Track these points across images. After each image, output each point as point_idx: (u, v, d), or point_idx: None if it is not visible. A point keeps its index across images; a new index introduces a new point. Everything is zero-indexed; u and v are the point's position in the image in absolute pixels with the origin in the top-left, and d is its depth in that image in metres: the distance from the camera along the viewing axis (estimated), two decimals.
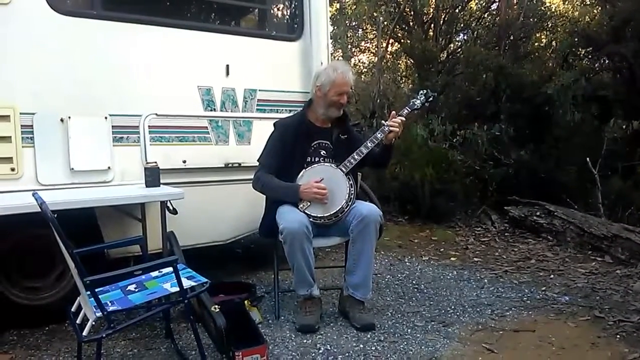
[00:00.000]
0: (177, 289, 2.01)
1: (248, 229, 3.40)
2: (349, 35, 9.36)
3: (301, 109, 3.03)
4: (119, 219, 2.83)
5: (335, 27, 8.65)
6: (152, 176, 2.74)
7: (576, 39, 6.42)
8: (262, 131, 3.11)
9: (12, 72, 2.64)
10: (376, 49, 8.30)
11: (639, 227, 4.11)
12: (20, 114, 2.63)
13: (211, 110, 3.25)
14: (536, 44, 7.28)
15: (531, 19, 7.04)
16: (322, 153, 2.90)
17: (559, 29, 7.24)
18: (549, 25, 7.33)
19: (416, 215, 5.47)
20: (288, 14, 4.07)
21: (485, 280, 3.61)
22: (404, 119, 2.88)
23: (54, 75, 2.75)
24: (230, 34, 3.43)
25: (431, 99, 3.06)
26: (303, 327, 2.71)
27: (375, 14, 8.22)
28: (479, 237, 4.97)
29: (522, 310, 3.02)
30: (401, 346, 2.53)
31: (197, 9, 4.30)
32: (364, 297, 2.81)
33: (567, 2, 7.98)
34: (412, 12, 7.68)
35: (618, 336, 2.63)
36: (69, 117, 2.76)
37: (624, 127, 6.07)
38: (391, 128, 2.82)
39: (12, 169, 2.63)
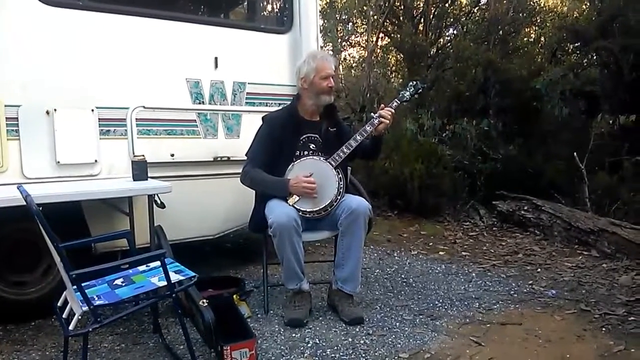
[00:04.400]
0: (165, 283, 2.00)
1: (237, 223, 3.39)
2: (338, 29, 9.33)
3: (289, 102, 3.02)
4: (106, 212, 2.80)
5: (325, 21, 8.62)
6: (140, 170, 2.72)
7: (564, 34, 6.46)
8: (252, 125, 3.10)
9: None
10: (366, 43, 8.29)
11: (625, 222, 4.15)
12: (5, 106, 2.59)
13: (200, 103, 3.23)
14: (525, 38, 7.31)
15: (520, 14, 7.06)
16: (311, 147, 2.89)
17: (547, 24, 7.28)
18: (538, 20, 7.37)
19: (405, 209, 5.48)
20: (277, 6, 4.05)
21: (473, 274, 3.63)
22: (393, 110, 2.88)
23: (40, 67, 2.70)
24: (219, 26, 3.40)
25: (420, 90, 3.07)
26: (292, 321, 2.70)
27: (365, 8, 8.20)
28: (468, 232, 5.00)
29: (510, 304, 3.04)
30: (389, 339, 2.54)
31: (186, 1, 4.27)
32: (352, 291, 2.82)
33: None
34: (402, 6, 7.67)
35: (604, 329, 2.66)
36: (55, 110, 2.72)
37: (611, 122, 6.13)
38: (382, 119, 2.81)
39: None
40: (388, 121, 2.83)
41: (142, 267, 2.23)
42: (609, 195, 5.02)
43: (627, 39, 5.46)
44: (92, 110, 2.84)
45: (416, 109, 6.16)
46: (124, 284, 2.08)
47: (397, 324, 2.75)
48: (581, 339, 2.56)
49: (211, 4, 4.22)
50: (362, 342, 2.52)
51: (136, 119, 2.96)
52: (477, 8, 7.89)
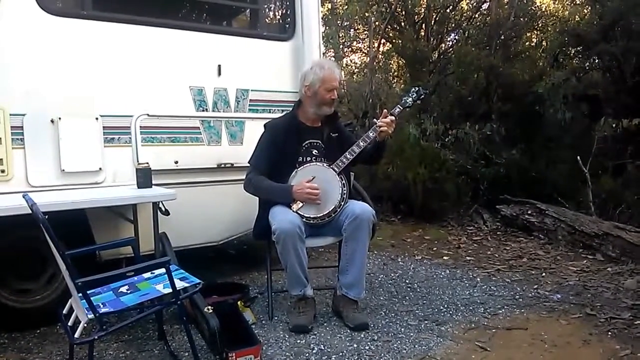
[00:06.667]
0: (170, 290, 2.01)
1: (241, 229, 3.39)
2: (340, 36, 9.37)
3: (291, 109, 3.03)
4: (111, 220, 2.81)
5: (327, 27, 8.64)
6: (144, 177, 2.72)
7: (566, 39, 6.45)
8: (255, 131, 3.09)
9: (2, 72, 2.61)
10: (368, 49, 8.31)
11: (629, 225, 4.15)
12: (10, 115, 2.61)
13: (203, 111, 3.24)
14: (527, 43, 7.30)
15: (522, 19, 7.06)
16: (313, 152, 2.89)
17: (549, 29, 7.28)
18: (540, 25, 7.36)
19: (409, 214, 5.48)
20: (280, 14, 4.07)
21: (478, 279, 3.62)
22: (394, 118, 2.88)
23: (44, 76, 2.72)
24: (222, 34, 3.42)
25: (423, 96, 3.08)
26: (296, 327, 2.70)
27: (366, 14, 8.23)
28: (471, 236, 4.99)
29: (515, 309, 3.03)
30: (395, 345, 2.54)
31: (189, 9, 4.29)
32: (357, 297, 2.81)
33: (557, 2, 8.03)
34: (403, 12, 7.69)
35: (610, 333, 2.65)
36: (60, 118, 2.74)
37: (614, 125, 6.13)
38: (381, 128, 2.82)
39: (2, 171, 2.61)
40: (387, 128, 2.82)
41: (147, 275, 2.24)
42: (612, 198, 5.01)
43: (629, 42, 5.46)
44: (97, 118, 2.86)
45: (419, 114, 6.16)
46: (129, 292, 2.08)
47: (402, 329, 2.74)
48: (587, 343, 2.55)
49: (214, 12, 4.24)
50: (367, 347, 2.51)
51: (140, 126, 2.97)
52: (478, 13, 7.90)
